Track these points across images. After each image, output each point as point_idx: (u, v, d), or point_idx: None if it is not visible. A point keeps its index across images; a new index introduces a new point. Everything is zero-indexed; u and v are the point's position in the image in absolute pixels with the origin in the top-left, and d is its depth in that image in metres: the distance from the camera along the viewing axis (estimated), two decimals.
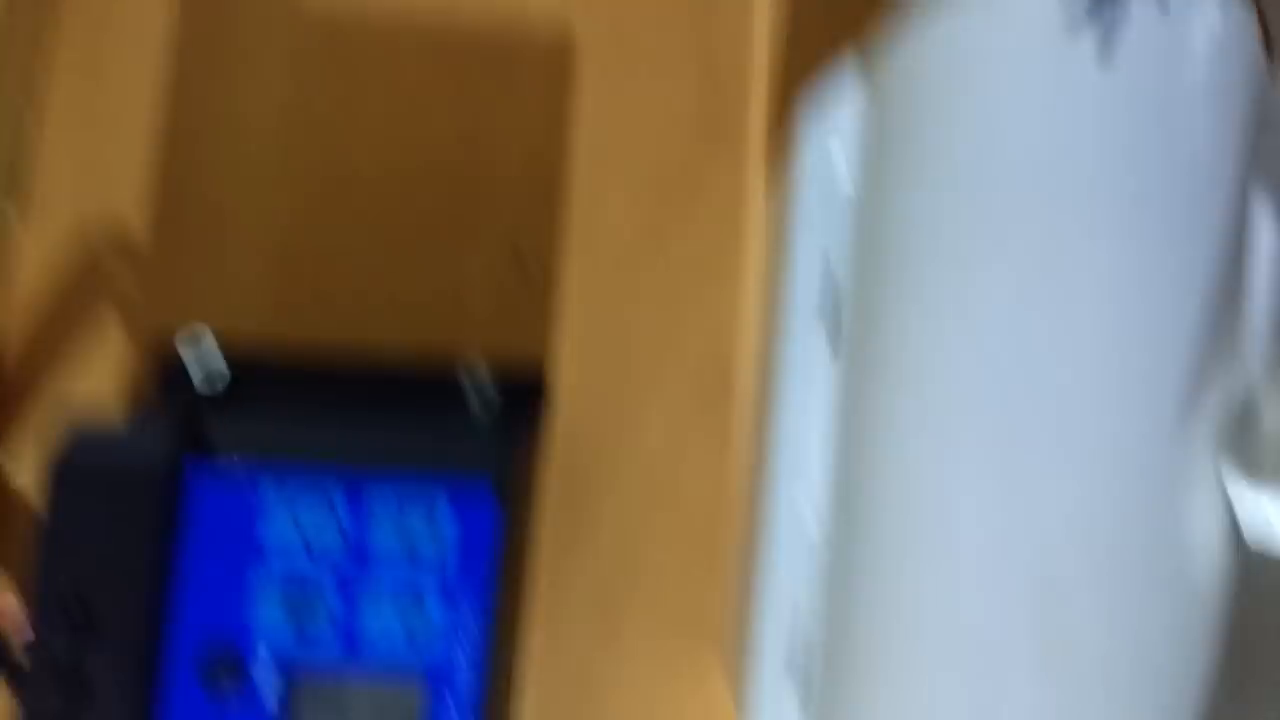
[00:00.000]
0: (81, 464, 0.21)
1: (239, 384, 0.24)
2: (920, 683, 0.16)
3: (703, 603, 0.24)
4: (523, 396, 0.24)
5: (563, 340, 0.25)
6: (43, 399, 0.25)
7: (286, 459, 0.22)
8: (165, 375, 0.24)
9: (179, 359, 0.24)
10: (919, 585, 0.16)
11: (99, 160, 0.26)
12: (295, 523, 0.22)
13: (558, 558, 0.24)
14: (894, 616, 0.17)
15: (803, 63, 0.24)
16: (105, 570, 0.21)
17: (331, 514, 0.22)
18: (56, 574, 0.21)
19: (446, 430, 0.23)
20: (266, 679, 0.21)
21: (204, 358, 0.24)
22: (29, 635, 0.21)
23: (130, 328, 0.26)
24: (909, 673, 0.17)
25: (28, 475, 0.25)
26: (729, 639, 0.23)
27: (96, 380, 0.26)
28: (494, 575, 0.21)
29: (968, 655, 0.16)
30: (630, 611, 0.24)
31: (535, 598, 0.24)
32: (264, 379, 0.24)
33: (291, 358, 0.24)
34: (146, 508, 0.21)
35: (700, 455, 0.25)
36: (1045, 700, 0.15)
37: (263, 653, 0.21)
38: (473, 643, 0.21)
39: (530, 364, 0.25)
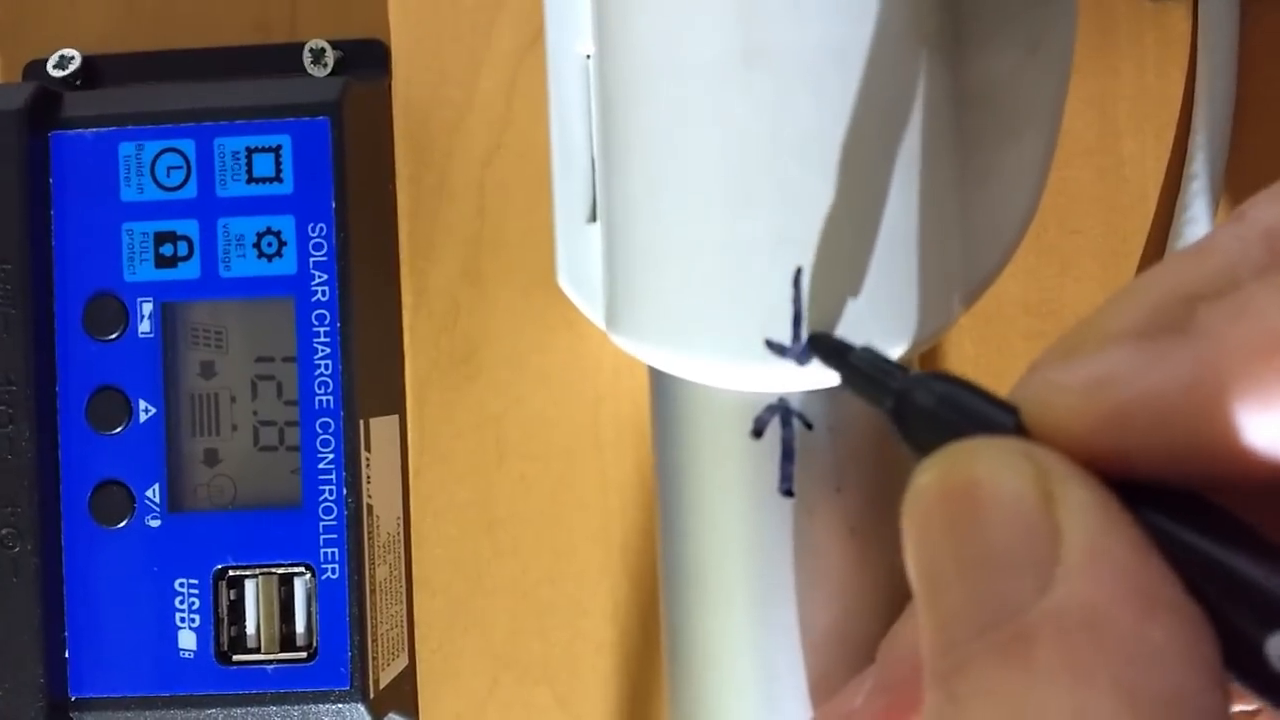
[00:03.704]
0: None
1: (96, 73, 0.25)
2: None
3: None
4: (359, 56, 0.26)
5: (395, 7, 0.26)
6: None
7: (139, 124, 0.23)
8: (25, 73, 0.26)
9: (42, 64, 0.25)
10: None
11: None
12: (154, 178, 0.23)
13: (414, 215, 0.26)
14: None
15: None
16: None
17: (185, 165, 0.23)
18: None
19: (286, 87, 0.24)
20: (145, 316, 0.23)
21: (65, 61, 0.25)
22: None
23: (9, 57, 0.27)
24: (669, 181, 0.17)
25: None
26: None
27: None
28: (338, 199, 0.23)
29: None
30: (492, 254, 0.26)
31: (402, 253, 0.26)
32: (118, 68, 0.25)
33: (143, 53, 0.26)
34: (10, 153, 0.23)
35: (534, 98, 0.26)
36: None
37: (139, 294, 0.23)
38: (330, 256, 0.23)
39: (367, 38, 0.26)
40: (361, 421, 0.23)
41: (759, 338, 0.15)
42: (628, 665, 0.25)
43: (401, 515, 0.25)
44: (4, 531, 0.22)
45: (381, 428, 0.24)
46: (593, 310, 0.19)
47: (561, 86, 0.20)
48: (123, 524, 0.22)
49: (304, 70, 0.25)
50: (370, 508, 0.23)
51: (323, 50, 0.25)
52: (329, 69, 0.25)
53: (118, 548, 0.22)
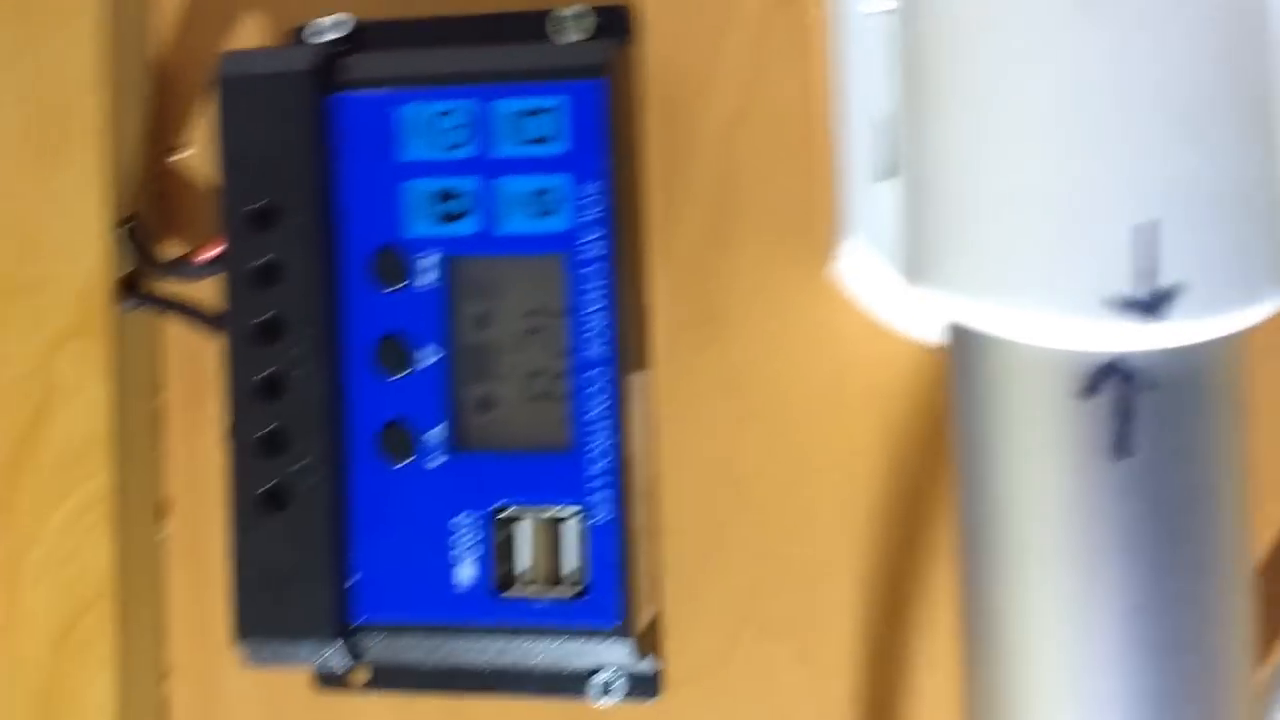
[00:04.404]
0: (240, 73, 0.24)
1: (368, 37, 0.27)
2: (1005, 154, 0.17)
3: (805, 202, 0.26)
4: (613, 22, 0.26)
5: None
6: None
7: (418, 86, 0.25)
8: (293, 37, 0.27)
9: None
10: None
11: None
12: (433, 138, 0.24)
13: (661, 177, 0.27)
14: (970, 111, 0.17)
15: None
16: (277, 179, 0.24)
17: (464, 125, 0.24)
18: (235, 184, 0.24)
19: (560, 50, 0.25)
20: (427, 269, 0.24)
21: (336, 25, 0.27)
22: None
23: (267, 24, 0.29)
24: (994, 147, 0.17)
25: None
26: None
27: None
28: (610, 159, 0.24)
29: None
30: (737, 216, 0.26)
31: (650, 209, 0.27)
32: (389, 33, 0.27)
33: (401, 19, 0.27)
34: (301, 113, 0.24)
35: (782, 59, 0.26)
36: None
37: (421, 249, 0.24)
38: (601, 215, 0.24)
39: (614, 4, 0.27)
40: (628, 374, 0.24)
41: (1100, 293, 0.15)
42: (872, 628, 0.25)
43: (651, 469, 0.26)
44: (298, 467, 0.24)
45: (638, 382, 0.25)
46: (887, 267, 0.19)
47: (849, 46, 0.20)
48: (406, 463, 0.24)
49: (546, 36, 0.26)
50: (633, 456, 0.24)
51: (580, 15, 0.26)
52: (585, 34, 0.26)
53: (401, 485, 0.24)
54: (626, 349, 0.24)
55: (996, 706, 0.18)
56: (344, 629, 0.24)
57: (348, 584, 0.24)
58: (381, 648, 0.24)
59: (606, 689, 0.26)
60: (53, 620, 0.28)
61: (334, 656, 0.24)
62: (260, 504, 0.24)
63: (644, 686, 0.26)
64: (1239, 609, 0.17)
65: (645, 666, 0.26)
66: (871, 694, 0.25)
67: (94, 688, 0.28)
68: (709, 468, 0.26)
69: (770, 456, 0.26)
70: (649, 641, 0.25)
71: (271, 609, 0.24)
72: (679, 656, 0.26)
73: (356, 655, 0.24)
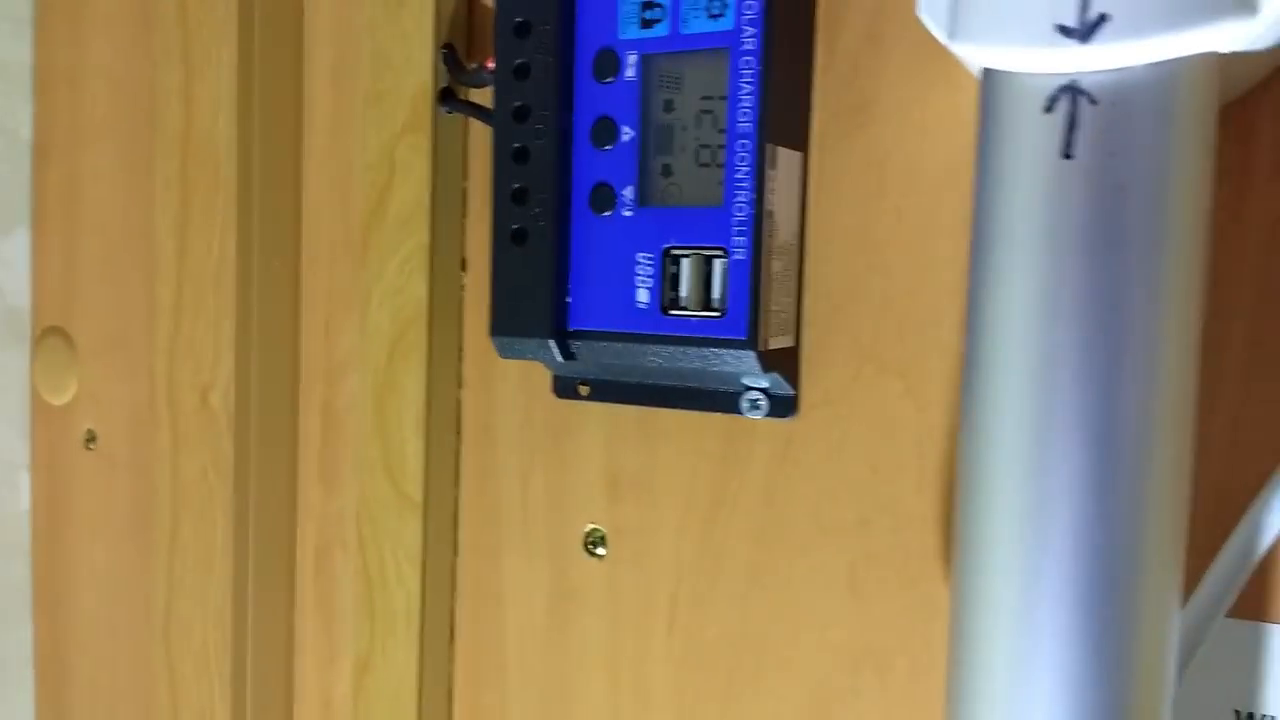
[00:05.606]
0: None
1: None
2: None
3: None
4: None
5: None
6: None
7: None
8: None
9: None
10: None
11: None
12: None
13: None
14: None
15: None
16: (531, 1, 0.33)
17: None
18: (503, 7, 0.33)
19: None
20: (631, 65, 0.32)
21: None
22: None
23: None
24: None
25: None
26: None
27: None
28: None
29: None
30: (890, 21, 0.31)
31: (818, 22, 0.32)
32: None
33: None
34: None
35: None
36: None
37: (628, 49, 0.32)
38: (756, 16, 0.30)
39: None
40: (769, 145, 0.30)
41: (1049, 22, 0.19)
42: None
43: (798, 233, 0.32)
44: (535, 214, 0.33)
45: (786, 157, 0.31)
46: (939, 31, 0.24)
47: None
48: (608, 213, 0.32)
49: None
50: (771, 213, 0.30)
51: None
52: None
53: (603, 229, 0.32)
54: (774, 126, 0.30)
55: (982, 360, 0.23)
56: (560, 332, 0.33)
57: (565, 300, 0.33)
58: (585, 349, 0.33)
59: (754, 405, 0.33)
60: (389, 332, 0.40)
61: (552, 352, 0.33)
62: (509, 240, 0.33)
63: (784, 406, 0.33)
64: (1176, 289, 0.20)
65: (783, 390, 0.32)
66: None
67: (412, 380, 0.40)
68: (849, 234, 0.32)
69: (899, 226, 0.31)
70: (782, 362, 0.32)
71: (513, 315, 0.33)
72: (812, 385, 0.33)
73: (567, 354, 0.33)
